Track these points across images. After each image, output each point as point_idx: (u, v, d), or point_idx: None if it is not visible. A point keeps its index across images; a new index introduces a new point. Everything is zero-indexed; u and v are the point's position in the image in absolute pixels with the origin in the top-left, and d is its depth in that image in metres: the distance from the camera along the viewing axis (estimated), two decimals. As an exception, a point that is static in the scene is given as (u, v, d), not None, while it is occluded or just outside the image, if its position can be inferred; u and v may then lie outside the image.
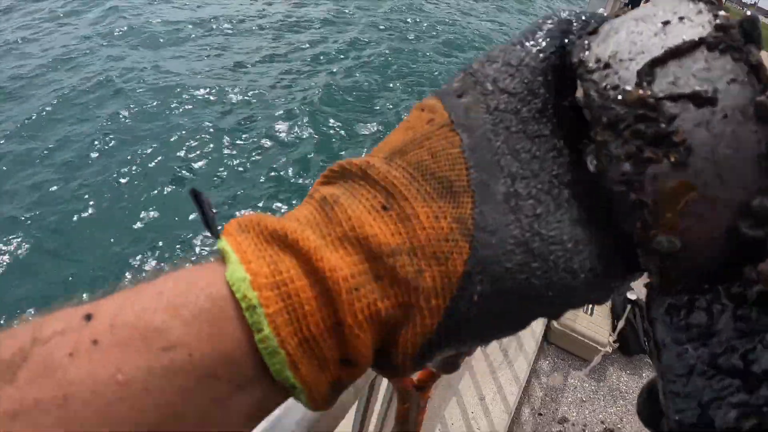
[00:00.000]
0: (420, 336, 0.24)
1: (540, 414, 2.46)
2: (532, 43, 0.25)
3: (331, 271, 0.22)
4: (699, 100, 0.21)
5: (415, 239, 0.23)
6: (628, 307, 2.88)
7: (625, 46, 0.22)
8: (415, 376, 0.55)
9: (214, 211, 0.26)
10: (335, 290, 0.22)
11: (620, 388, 2.72)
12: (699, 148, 0.21)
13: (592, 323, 2.74)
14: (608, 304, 2.89)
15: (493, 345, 2.43)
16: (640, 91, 0.21)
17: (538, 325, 2.68)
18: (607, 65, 0.23)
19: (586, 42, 0.24)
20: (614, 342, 2.76)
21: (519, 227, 0.23)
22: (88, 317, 0.21)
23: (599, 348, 2.67)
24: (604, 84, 0.22)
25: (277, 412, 0.50)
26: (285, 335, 0.22)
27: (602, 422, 2.53)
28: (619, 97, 0.22)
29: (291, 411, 0.54)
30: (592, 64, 0.23)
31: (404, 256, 0.23)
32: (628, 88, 0.22)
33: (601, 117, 0.22)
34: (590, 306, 2.82)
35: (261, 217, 0.24)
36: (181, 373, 0.20)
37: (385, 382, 0.92)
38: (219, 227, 0.25)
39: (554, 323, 2.69)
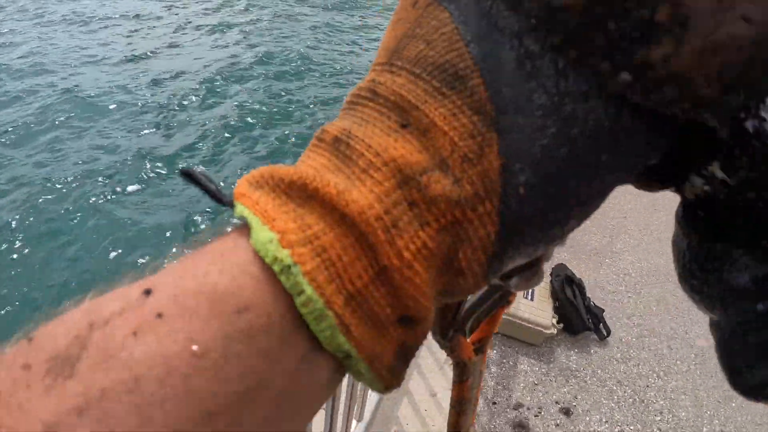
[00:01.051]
0: (481, 251, 0.21)
1: (494, 403, 2.47)
2: None
3: (361, 214, 0.20)
4: None
5: (442, 149, 0.20)
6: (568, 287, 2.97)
7: None
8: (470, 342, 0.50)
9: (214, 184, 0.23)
10: (370, 232, 0.20)
11: (570, 367, 2.77)
12: None
13: (534, 307, 2.79)
14: (548, 287, 2.97)
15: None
16: None
17: (481, 316, 2.72)
18: None
19: None
20: (558, 323, 2.83)
21: (544, 93, 0.19)
22: (148, 292, 0.18)
23: (543, 331, 2.72)
24: None
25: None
26: (329, 294, 0.19)
27: (557, 402, 2.56)
28: None
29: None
30: None
31: (436, 171, 0.20)
32: None
33: None
34: (530, 291, 2.89)
35: (273, 169, 0.21)
36: (263, 336, 0.18)
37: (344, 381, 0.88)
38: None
39: (497, 312, 2.73)
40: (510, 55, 0.19)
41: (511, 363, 2.68)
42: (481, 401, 2.46)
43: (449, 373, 2.13)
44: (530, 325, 2.73)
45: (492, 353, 2.70)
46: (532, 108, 0.19)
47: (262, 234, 0.19)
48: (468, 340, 0.42)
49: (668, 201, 4.91)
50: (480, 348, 0.51)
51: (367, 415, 2.03)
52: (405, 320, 0.21)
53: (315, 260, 0.19)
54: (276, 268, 0.19)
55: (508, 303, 0.36)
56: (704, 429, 2.72)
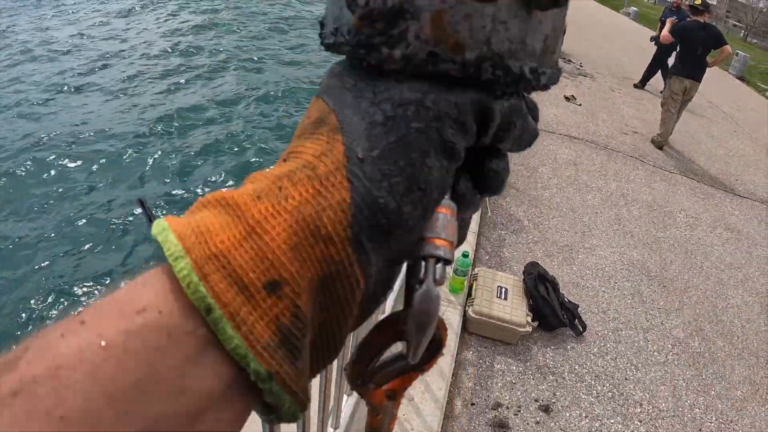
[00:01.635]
0: (341, 213, 0.25)
1: (472, 404, 2.43)
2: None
3: (238, 197, 0.25)
4: None
5: (307, 156, 0.27)
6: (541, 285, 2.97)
7: None
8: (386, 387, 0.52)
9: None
10: (241, 204, 0.24)
11: (547, 363, 2.76)
12: None
13: (508, 306, 2.78)
14: (521, 286, 2.96)
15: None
16: None
17: (455, 318, 2.70)
18: None
19: None
20: (533, 321, 2.82)
21: (366, 99, 0.26)
22: (80, 311, 0.22)
23: (519, 329, 2.71)
24: None
25: None
26: (194, 252, 0.23)
27: (536, 400, 2.54)
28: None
29: None
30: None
31: (301, 169, 0.26)
32: None
33: None
34: (503, 290, 2.87)
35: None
36: (155, 332, 0.22)
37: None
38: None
39: (471, 313, 2.72)
40: (348, 94, 0.27)
41: (487, 363, 2.65)
42: (459, 403, 2.43)
43: (426, 376, 2.10)
44: (505, 324, 2.72)
45: (468, 354, 2.67)
46: (361, 110, 0.26)
47: (158, 227, 0.24)
48: (382, 387, 0.43)
49: (639, 195, 4.98)
50: (392, 396, 0.52)
51: (343, 423, 1.98)
52: (272, 287, 0.23)
53: (192, 235, 0.23)
54: (166, 251, 0.23)
55: (422, 371, 0.38)
56: (685, 418, 2.72)
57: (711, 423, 2.74)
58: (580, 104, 7.57)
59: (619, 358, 2.96)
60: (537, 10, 0.25)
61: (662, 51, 7.96)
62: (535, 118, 0.31)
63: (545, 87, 0.29)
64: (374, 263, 0.26)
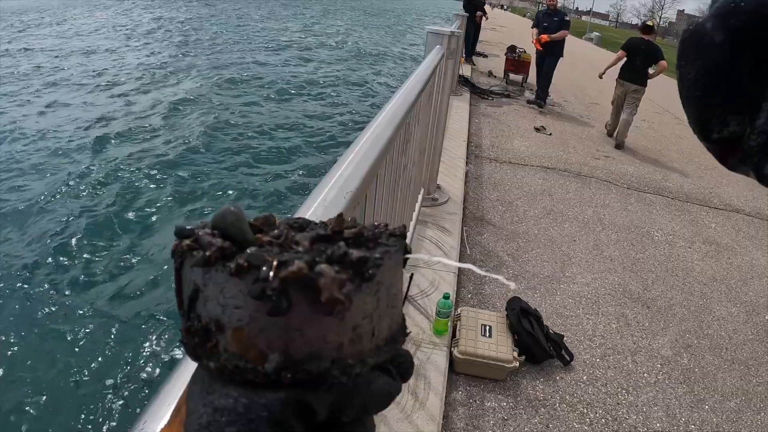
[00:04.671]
0: None
1: (466, 446, 2.49)
2: None
3: None
4: None
5: None
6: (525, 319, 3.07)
7: None
8: None
9: None
10: None
11: (538, 396, 2.83)
12: None
13: (493, 344, 2.87)
14: (505, 322, 3.06)
15: (401, 392, 2.48)
16: None
17: (441, 360, 2.77)
18: None
19: None
20: (519, 356, 2.91)
21: (204, 389, 0.28)
22: None
23: (506, 365, 2.80)
24: None
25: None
26: None
27: (530, 435, 2.60)
28: None
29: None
30: None
31: None
32: None
33: None
34: (487, 328, 2.97)
35: None
36: None
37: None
38: None
39: (456, 353, 2.80)
40: (196, 387, 0.29)
41: (478, 402, 2.72)
42: (453, 447, 2.48)
43: (417, 421, 2.15)
44: (492, 362, 2.80)
45: (458, 395, 2.74)
46: (197, 410, 0.27)
47: None
48: None
49: (615, 218, 5.15)
50: None
51: None
52: None
53: None
54: None
55: None
56: (681, 436, 2.80)
57: (706, 438, 2.82)
58: (551, 134, 7.85)
59: (609, 383, 3.05)
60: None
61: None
62: (404, 374, 0.32)
63: (358, 378, 0.29)
64: None
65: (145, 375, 4.15)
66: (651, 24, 8.00)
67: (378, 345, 0.29)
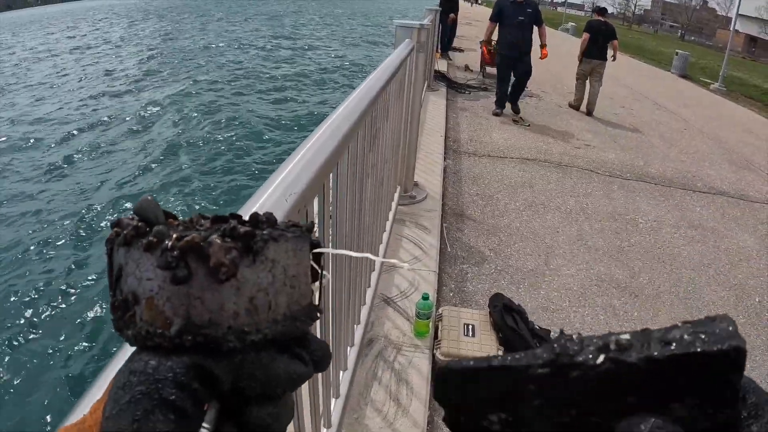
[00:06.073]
0: None
1: (453, 453, 2.39)
2: None
3: None
4: None
5: None
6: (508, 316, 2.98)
7: None
8: None
9: None
10: None
11: (526, 396, 2.74)
12: None
13: (476, 344, 2.79)
14: (489, 320, 2.97)
15: (382, 397, 2.39)
16: None
17: (424, 363, 2.68)
18: None
19: None
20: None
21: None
22: None
23: (491, 364, 2.70)
24: None
25: None
26: None
27: (519, 437, 2.51)
28: None
29: None
30: None
31: None
32: None
33: None
34: (470, 327, 2.88)
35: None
36: None
37: None
38: None
39: (439, 356, 2.71)
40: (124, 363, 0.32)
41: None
42: (439, 455, 2.39)
43: (401, 428, 2.05)
44: (476, 362, 2.70)
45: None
46: (123, 367, 0.31)
47: None
48: None
49: (598, 207, 5.09)
50: None
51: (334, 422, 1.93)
52: None
53: None
54: None
55: None
56: (675, 429, 2.72)
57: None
58: (529, 125, 7.81)
59: (600, 377, 2.97)
60: (230, 279, 0.30)
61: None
62: (318, 362, 0.34)
63: (256, 347, 0.31)
64: None
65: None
66: (604, 7, 9.92)
67: (275, 318, 0.32)
